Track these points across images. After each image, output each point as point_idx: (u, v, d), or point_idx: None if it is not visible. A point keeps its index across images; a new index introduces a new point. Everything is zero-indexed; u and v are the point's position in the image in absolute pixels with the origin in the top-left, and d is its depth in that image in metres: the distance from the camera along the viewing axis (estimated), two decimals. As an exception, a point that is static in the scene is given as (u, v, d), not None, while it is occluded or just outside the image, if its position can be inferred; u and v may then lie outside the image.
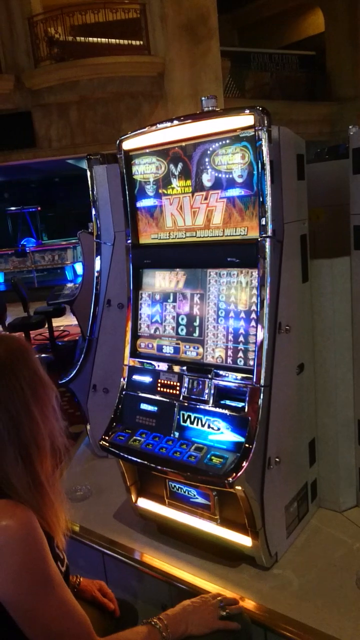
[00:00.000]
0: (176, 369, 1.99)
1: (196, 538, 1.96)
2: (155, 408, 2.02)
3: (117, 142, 2.08)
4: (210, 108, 1.82)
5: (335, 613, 1.65)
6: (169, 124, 1.90)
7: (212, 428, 1.84)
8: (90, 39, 11.12)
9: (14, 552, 1.06)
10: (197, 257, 1.99)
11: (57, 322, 7.40)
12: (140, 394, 2.07)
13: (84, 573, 1.61)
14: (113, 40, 10.93)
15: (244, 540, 1.82)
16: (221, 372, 1.87)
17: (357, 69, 14.50)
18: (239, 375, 1.81)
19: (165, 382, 2.01)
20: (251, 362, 1.80)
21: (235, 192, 1.80)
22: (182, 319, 2.03)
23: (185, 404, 1.93)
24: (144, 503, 2.11)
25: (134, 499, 2.13)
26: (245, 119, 1.69)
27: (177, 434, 1.93)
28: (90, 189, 2.60)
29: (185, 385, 1.95)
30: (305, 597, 1.73)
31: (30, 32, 11.03)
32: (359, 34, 14.32)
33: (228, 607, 1.45)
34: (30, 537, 1.08)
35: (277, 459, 1.79)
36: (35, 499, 1.15)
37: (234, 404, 1.81)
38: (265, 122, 1.65)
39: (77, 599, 1.21)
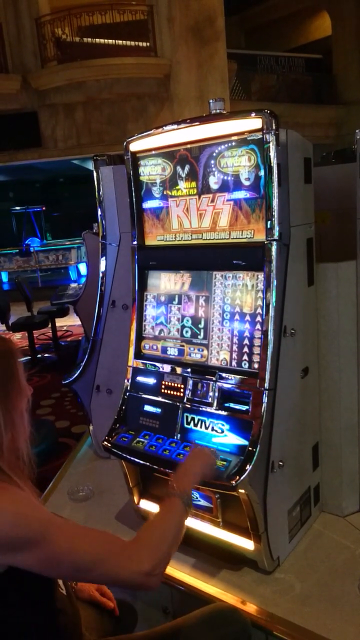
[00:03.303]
0: (180, 370, 1.99)
1: (198, 540, 1.95)
2: (159, 410, 2.02)
3: (124, 143, 2.08)
4: (218, 110, 1.82)
5: (337, 618, 1.64)
6: (176, 126, 1.90)
7: (216, 430, 1.84)
8: (97, 40, 11.15)
9: (8, 528, 1.05)
10: (202, 259, 1.99)
11: (60, 322, 7.42)
12: (144, 396, 2.07)
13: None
14: (120, 42, 10.95)
15: (246, 544, 1.81)
16: (225, 375, 1.86)
17: (363, 72, 14.50)
18: (244, 378, 1.81)
19: (169, 384, 2.01)
20: (256, 365, 1.80)
21: (241, 194, 1.80)
22: (187, 321, 2.03)
23: (189, 406, 1.93)
24: (147, 505, 2.11)
25: (136, 500, 2.13)
26: (253, 122, 1.69)
27: (180, 436, 1.93)
28: (96, 190, 2.60)
29: (189, 387, 1.95)
30: (307, 601, 1.72)
31: (38, 33, 11.07)
32: (365, 38, 14.32)
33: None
34: (15, 501, 1.08)
35: (280, 463, 1.79)
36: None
37: (237, 406, 1.81)
38: (273, 125, 1.65)
39: (75, 600, 1.21)
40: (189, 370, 1.97)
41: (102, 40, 11.09)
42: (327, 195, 2.09)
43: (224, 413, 1.84)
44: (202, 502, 1.89)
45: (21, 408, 1.22)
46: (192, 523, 1.94)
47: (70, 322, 7.93)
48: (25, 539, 1.06)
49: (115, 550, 1.17)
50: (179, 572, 1.89)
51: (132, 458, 1.96)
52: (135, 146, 2.06)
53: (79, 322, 3.56)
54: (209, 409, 1.88)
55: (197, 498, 1.91)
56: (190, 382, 1.95)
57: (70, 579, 1.13)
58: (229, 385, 1.85)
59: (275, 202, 1.70)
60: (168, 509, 1.33)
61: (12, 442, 1.19)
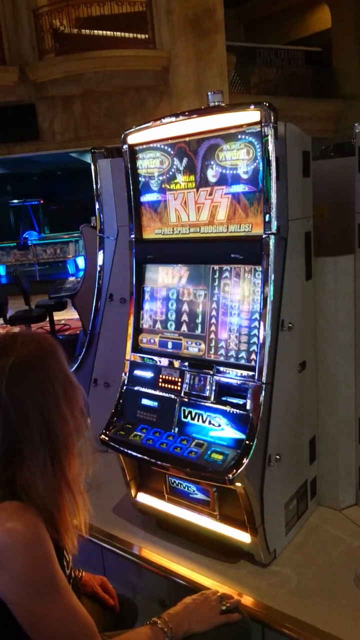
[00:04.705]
0: (178, 364, 1.99)
1: (195, 534, 1.96)
2: (156, 403, 2.02)
3: (122, 136, 2.07)
4: (217, 103, 1.81)
5: (334, 611, 1.65)
6: (174, 118, 1.89)
7: (213, 424, 1.84)
8: (96, 31, 11.06)
9: (19, 555, 1.04)
10: (200, 253, 1.98)
11: (58, 316, 7.41)
12: (141, 389, 2.07)
13: (83, 566, 1.61)
14: (118, 34, 10.87)
15: (243, 537, 1.82)
16: (223, 369, 1.86)
17: (363, 66, 14.44)
18: (241, 372, 1.81)
19: (167, 377, 2.01)
20: (253, 359, 1.79)
21: (240, 188, 1.79)
22: (185, 314, 2.03)
23: (186, 400, 1.93)
24: (144, 498, 2.11)
25: (133, 493, 2.13)
26: (252, 115, 1.68)
27: (177, 429, 1.93)
28: (94, 183, 2.59)
29: (187, 381, 1.95)
30: (304, 594, 1.73)
31: (35, 24, 10.97)
32: (365, 31, 14.25)
33: (226, 600, 1.46)
34: (37, 540, 1.06)
35: (277, 456, 1.79)
36: (56, 501, 1.12)
37: (235, 400, 1.81)
38: (272, 118, 1.64)
39: (79, 594, 1.21)
40: (186, 364, 1.97)
41: (100, 32, 11.01)
42: (325, 189, 2.08)
43: (221, 407, 1.84)
44: (200, 496, 1.90)
45: (80, 403, 1.20)
46: (189, 516, 1.95)
47: (68, 316, 7.92)
48: (28, 580, 1.05)
49: None
50: (176, 564, 1.90)
51: (129, 451, 1.96)
52: (133, 139, 2.05)
53: (77, 316, 3.56)
54: (206, 403, 1.88)
55: (194, 491, 1.91)
56: (188, 375, 1.95)
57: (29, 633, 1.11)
58: (227, 379, 1.85)
59: (273, 196, 1.69)
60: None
61: (78, 440, 1.18)
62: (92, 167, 2.58)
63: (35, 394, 1.10)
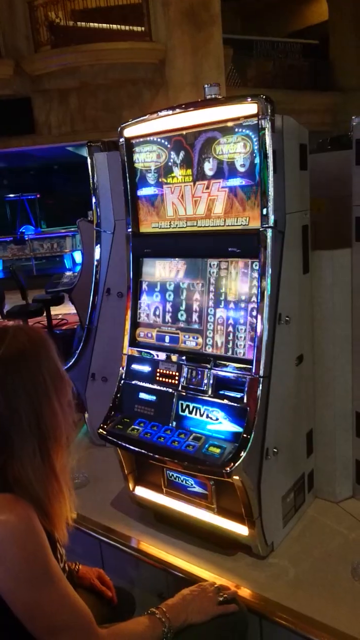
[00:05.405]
0: (175, 358, 1.99)
1: (193, 526, 1.97)
2: (154, 397, 2.02)
3: (119, 129, 2.06)
4: (213, 96, 1.81)
5: (330, 602, 1.66)
6: (171, 111, 1.88)
7: (211, 418, 1.85)
8: (92, 24, 10.97)
9: (13, 546, 1.05)
10: (197, 247, 1.98)
11: (55, 311, 7.39)
12: (139, 383, 2.07)
13: (81, 560, 1.62)
14: (114, 26, 10.78)
15: (241, 529, 1.83)
16: (220, 362, 1.87)
17: (361, 58, 14.36)
18: (238, 366, 1.81)
19: (164, 371, 2.01)
20: (250, 353, 1.80)
21: (237, 181, 1.79)
22: (182, 308, 2.03)
23: (184, 394, 1.94)
24: (142, 491, 2.12)
25: (131, 487, 2.14)
26: (249, 108, 1.67)
27: (175, 423, 1.93)
28: (90, 177, 2.58)
29: (184, 375, 1.95)
30: (301, 586, 1.74)
31: (31, 17, 10.87)
32: (363, 23, 14.16)
33: (223, 591, 1.47)
34: (29, 531, 1.08)
35: (274, 450, 1.80)
36: (47, 491, 1.14)
37: (232, 394, 1.81)
38: (269, 110, 1.64)
39: (75, 586, 1.22)
40: (184, 358, 1.97)
41: (96, 25, 10.92)
42: (322, 183, 2.08)
43: (218, 400, 1.84)
44: (197, 489, 1.91)
45: (69, 396, 1.22)
46: (187, 509, 1.96)
47: (65, 311, 7.90)
48: (19, 569, 1.06)
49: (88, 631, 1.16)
50: (173, 557, 1.91)
51: (127, 445, 1.97)
52: (129, 132, 2.04)
53: (74, 311, 3.55)
54: (203, 397, 1.88)
55: (192, 484, 1.92)
56: (185, 369, 1.95)
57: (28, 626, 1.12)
58: (224, 373, 1.85)
59: (270, 189, 1.69)
60: (148, 629, 1.27)
61: (66, 431, 1.20)
62: (89, 160, 2.57)
63: (26, 385, 1.12)
